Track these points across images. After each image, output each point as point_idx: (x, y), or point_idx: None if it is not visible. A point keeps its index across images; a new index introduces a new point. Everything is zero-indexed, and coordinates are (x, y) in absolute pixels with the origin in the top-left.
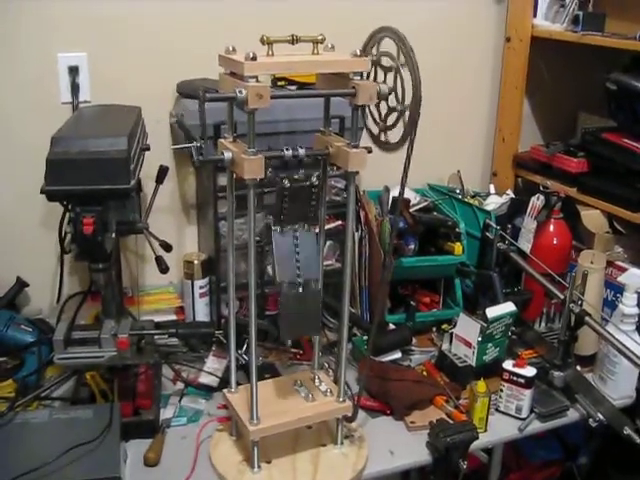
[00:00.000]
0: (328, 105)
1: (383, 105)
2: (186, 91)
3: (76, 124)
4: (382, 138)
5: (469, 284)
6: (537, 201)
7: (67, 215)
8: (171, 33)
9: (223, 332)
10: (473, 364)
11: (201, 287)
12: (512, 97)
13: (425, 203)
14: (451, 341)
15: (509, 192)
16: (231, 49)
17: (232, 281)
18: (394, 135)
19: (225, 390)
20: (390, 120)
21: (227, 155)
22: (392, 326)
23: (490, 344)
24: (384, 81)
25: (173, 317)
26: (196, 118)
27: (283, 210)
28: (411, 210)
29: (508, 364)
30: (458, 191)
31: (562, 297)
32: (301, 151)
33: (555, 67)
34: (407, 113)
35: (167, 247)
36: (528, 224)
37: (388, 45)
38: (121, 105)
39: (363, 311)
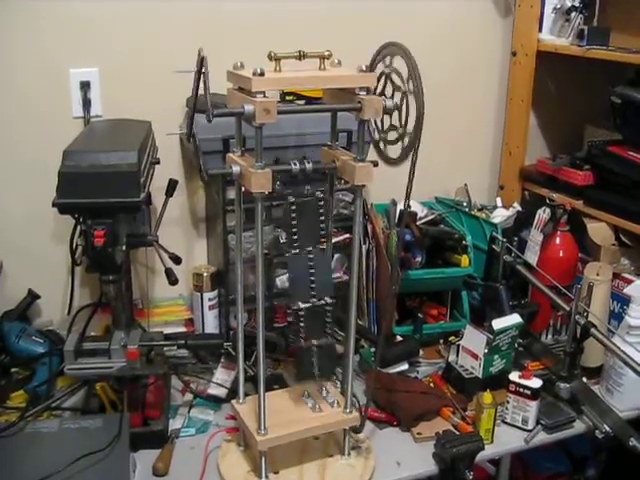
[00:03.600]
0: (335, 119)
1: (387, 118)
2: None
3: (87, 138)
4: (381, 147)
5: (476, 296)
6: (543, 214)
7: (78, 228)
8: (181, 49)
9: (232, 344)
10: (479, 376)
11: (210, 299)
12: (518, 111)
13: (432, 216)
14: (458, 353)
15: (516, 205)
16: (239, 65)
17: (240, 293)
18: (395, 150)
19: (233, 401)
20: (391, 136)
21: (235, 169)
22: (399, 338)
23: (496, 356)
24: (392, 96)
25: (182, 329)
26: (206, 132)
27: (293, 229)
28: (418, 223)
29: (514, 376)
30: (465, 204)
31: (568, 309)
32: (308, 165)
33: (561, 81)
34: (406, 139)
35: (177, 260)
36: (534, 236)
37: (402, 65)
38: (132, 120)
39: (371, 323)
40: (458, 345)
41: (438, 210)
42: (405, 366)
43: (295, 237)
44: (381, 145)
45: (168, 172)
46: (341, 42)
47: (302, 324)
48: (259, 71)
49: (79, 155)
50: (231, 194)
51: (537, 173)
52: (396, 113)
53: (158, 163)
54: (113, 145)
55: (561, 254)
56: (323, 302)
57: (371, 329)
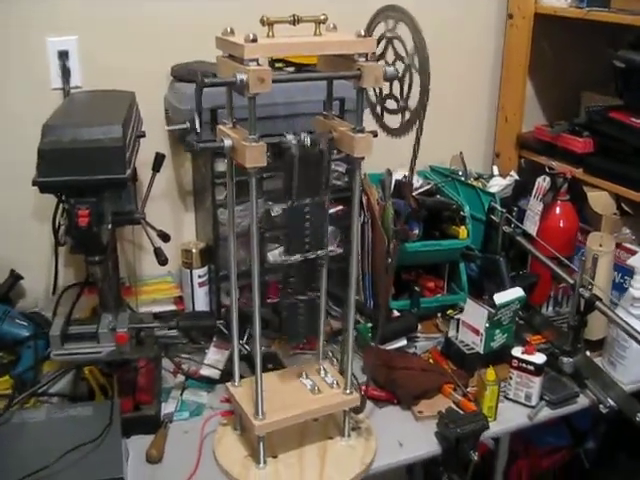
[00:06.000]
0: (331, 88)
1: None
2: (181, 75)
3: (68, 111)
4: (378, 112)
5: (474, 268)
6: (543, 182)
7: (60, 206)
8: (165, 14)
9: (224, 322)
10: (481, 351)
11: (200, 276)
12: (515, 76)
13: (428, 186)
14: (458, 328)
15: (513, 173)
16: (229, 31)
17: (234, 271)
18: (393, 120)
19: (229, 384)
20: (389, 105)
21: (227, 142)
22: (396, 313)
23: (498, 330)
24: (393, 62)
25: (172, 307)
26: (192, 102)
27: (292, 182)
28: (414, 193)
29: (517, 351)
30: (461, 173)
31: (571, 282)
32: (304, 136)
33: (557, 45)
34: (407, 114)
35: (165, 237)
36: (534, 206)
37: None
38: (114, 90)
39: (366, 297)
40: (458, 320)
41: (433, 180)
42: (403, 342)
43: (292, 190)
44: (378, 110)
45: (153, 144)
46: (333, 6)
47: (292, 279)
48: (252, 37)
49: (59, 130)
50: (220, 166)
51: (535, 140)
52: (397, 83)
53: (144, 136)
54: (95, 118)
55: (561, 224)
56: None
57: (367, 303)
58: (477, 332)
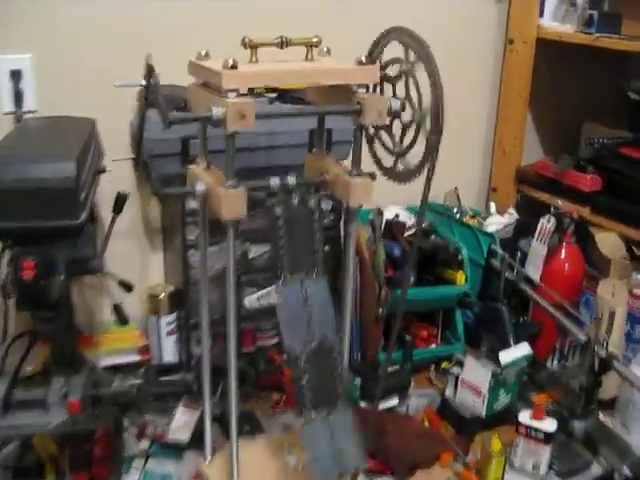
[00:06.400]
0: (322, 123)
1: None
2: (150, 99)
3: (16, 142)
4: (398, 167)
5: (470, 315)
6: (547, 223)
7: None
8: (131, 31)
9: (194, 376)
10: (482, 414)
11: (169, 323)
12: (515, 105)
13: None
14: (456, 385)
15: (512, 211)
16: (204, 54)
17: (206, 325)
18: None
19: (200, 460)
20: (407, 139)
21: (199, 188)
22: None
23: (502, 390)
24: (393, 95)
25: (137, 358)
26: (158, 131)
27: (281, 250)
28: (406, 234)
29: (524, 416)
30: (455, 209)
31: (584, 338)
32: (291, 179)
33: (558, 72)
34: (428, 119)
35: (128, 287)
36: (537, 249)
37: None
38: (71, 117)
39: (353, 349)
40: (456, 377)
41: (427, 218)
42: (395, 401)
43: (284, 260)
44: (399, 165)
45: (116, 175)
46: (325, 24)
47: (305, 381)
48: (231, 63)
49: (2, 166)
50: (191, 203)
51: (536, 175)
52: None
53: (103, 172)
54: (46, 152)
55: (567, 268)
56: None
57: (354, 356)
58: (479, 392)
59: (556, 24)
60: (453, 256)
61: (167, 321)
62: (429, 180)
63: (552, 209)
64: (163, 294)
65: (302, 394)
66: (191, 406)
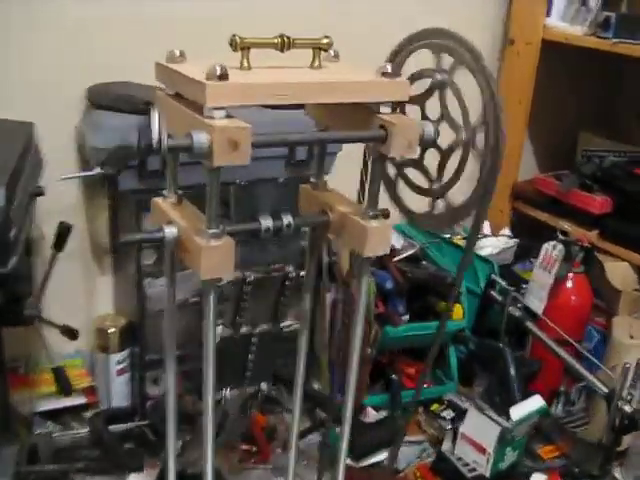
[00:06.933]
0: (325, 147)
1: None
2: (100, 100)
3: None
4: (438, 209)
5: (463, 350)
6: (553, 250)
7: None
8: (83, 22)
9: (149, 423)
10: (486, 473)
11: (119, 362)
12: (514, 113)
13: (412, 250)
14: (454, 438)
15: (507, 231)
16: (178, 54)
17: (172, 362)
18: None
19: None
20: (447, 171)
21: (169, 233)
22: (373, 412)
23: (509, 448)
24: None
25: (82, 400)
26: (112, 138)
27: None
28: (396, 259)
29: None
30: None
31: (606, 391)
32: (286, 221)
33: (555, 78)
34: (478, 138)
35: (72, 334)
36: (541, 278)
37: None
38: (6, 120)
39: (333, 390)
40: (454, 430)
41: (415, 239)
42: (384, 455)
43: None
44: (438, 207)
45: (60, 191)
46: (325, 24)
47: None
48: (219, 71)
49: None
50: (148, 222)
51: (535, 193)
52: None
53: (41, 194)
54: None
55: (573, 300)
56: None
57: (335, 397)
58: (483, 450)
59: (565, 25)
60: (448, 287)
61: (117, 359)
62: (479, 217)
63: (558, 234)
64: (113, 329)
65: None
66: (148, 464)
